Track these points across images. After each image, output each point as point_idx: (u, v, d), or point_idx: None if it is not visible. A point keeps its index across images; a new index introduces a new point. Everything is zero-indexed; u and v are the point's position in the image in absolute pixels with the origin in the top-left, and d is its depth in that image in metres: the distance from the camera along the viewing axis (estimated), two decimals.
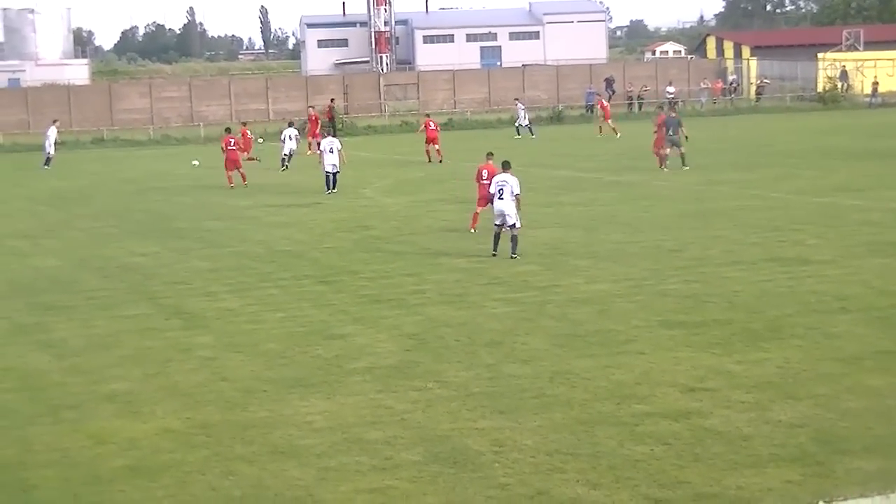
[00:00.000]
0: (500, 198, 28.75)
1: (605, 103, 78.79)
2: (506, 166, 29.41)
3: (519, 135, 77.04)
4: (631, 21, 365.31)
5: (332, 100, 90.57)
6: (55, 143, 68.87)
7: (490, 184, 30.04)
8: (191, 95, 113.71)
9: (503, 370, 18.29)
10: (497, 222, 29.02)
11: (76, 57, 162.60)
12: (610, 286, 24.84)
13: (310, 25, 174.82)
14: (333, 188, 46.21)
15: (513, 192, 28.70)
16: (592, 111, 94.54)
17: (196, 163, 58.04)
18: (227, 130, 54.88)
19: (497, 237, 29.07)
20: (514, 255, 28.54)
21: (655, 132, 51.14)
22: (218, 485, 13.51)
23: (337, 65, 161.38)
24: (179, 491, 13.33)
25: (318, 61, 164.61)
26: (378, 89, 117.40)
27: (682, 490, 12.80)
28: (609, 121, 74.40)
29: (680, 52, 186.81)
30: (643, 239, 31.22)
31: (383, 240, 33.11)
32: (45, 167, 64.30)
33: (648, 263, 27.38)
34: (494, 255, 28.78)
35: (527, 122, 78.98)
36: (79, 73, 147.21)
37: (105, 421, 16.30)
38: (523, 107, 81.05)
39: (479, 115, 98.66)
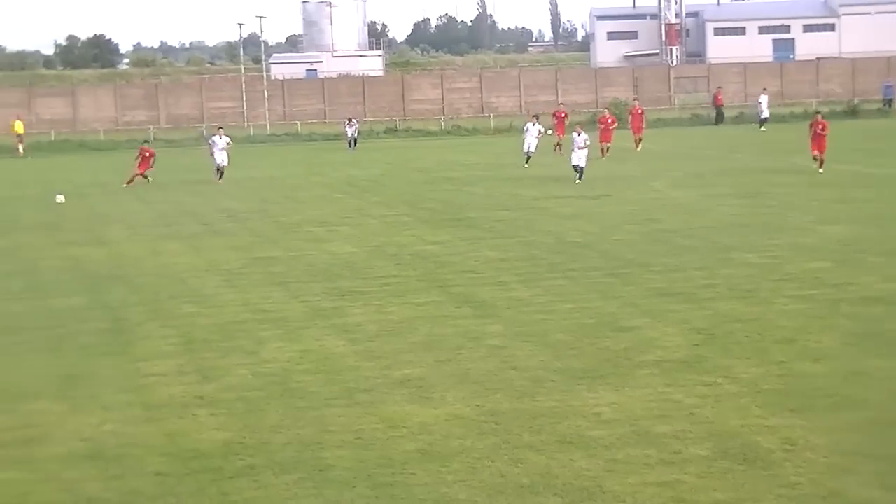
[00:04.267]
0: None
1: None
2: None
3: (762, 128, 76.98)
4: None
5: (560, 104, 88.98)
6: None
7: None
8: (481, 87, 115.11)
9: (794, 368, 18.00)
10: None
11: (370, 49, 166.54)
12: None
13: (599, 17, 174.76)
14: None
15: None
16: (890, 105, 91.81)
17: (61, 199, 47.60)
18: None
19: None
20: None
21: None
22: (507, 472, 13.71)
23: (626, 57, 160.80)
24: (469, 476, 13.58)
25: (607, 53, 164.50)
26: (668, 82, 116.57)
27: None
28: None
29: None
30: None
31: (672, 233, 32.89)
32: (218, 180, 55.32)
33: None
34: None
35: (766, 114, 79.41)
36: (373, 64, 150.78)
37: (397, 405, 16.70)
38: (764, 99, 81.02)
39: (771, 109, 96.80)
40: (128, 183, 53.73)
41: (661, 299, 23.63)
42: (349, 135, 77.92)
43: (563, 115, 66.25)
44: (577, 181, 47.10)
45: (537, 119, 59.76)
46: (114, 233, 37.52)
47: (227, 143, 56.44)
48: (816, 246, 28.90)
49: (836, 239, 30.38)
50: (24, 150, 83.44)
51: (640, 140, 64.96)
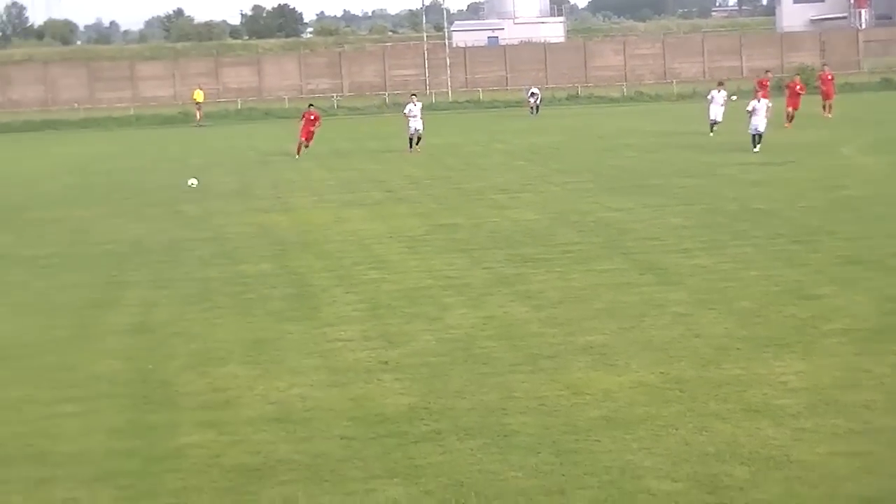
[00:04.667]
0: None
1: None
2: None
3: None
4: None
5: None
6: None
7: None
8: (664, 53, 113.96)
9: None
10: None
11: (552, 15, 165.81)
12: None
13: None
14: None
15: None
16: None
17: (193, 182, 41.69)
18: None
19: None
20: None
21: None
22: (691, 440, 13.62)
23: (813, 21, 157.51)
24: (653, 444, 13.53)
25: (793, 18, 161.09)
26: (856, 46, 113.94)
27: None
28: None
29: None
30: None
31: (861, 200, 32.20)
32: (415, 146, 54.47)
33: None
34: None
35: None
36: (554, 30, 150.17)
37: (581, 372, 16.70)
38: None
39: None
40: (297, 153, 53.72)
41: (850, 267, 23.18)
42: (531, 102, 78.00)
43: (766, 83, 63.47)
44: (756, 149, 46.13)
45: (722, 86, 58.55)
46: (299, 200, 38.15)
47: (420, 110, 55.14)
48: None
49: None
50: (202, 117, 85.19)
51: (831, 106, 63.53)
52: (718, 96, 56.64)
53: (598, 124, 66.97)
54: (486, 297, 22.00)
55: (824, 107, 63.34)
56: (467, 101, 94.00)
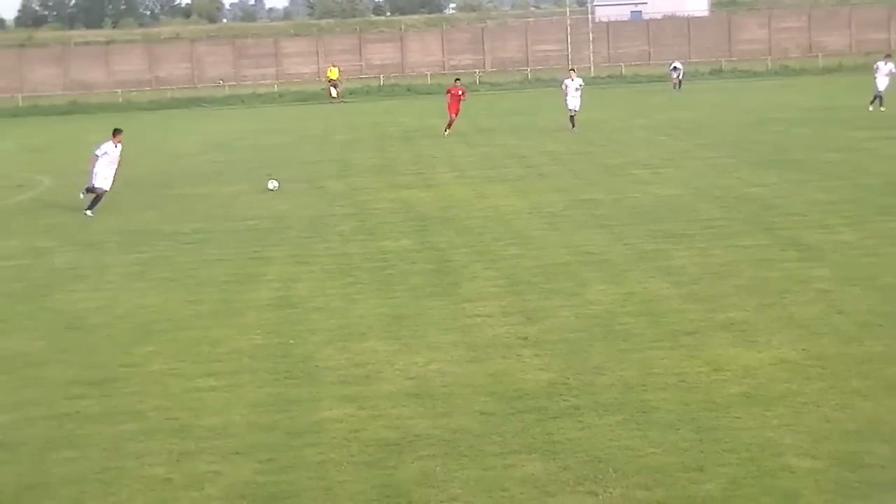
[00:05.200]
0: None
1: None
2: None
3: None
4: None
5: None
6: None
7: None
8: (809, 25, 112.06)
9: None
10: None
11: None
12: None
13: None
14: None
15: None
16: None
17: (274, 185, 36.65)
18: None
19: None
20: None
21: None
22: (833, 417, 13.48)
23: None
24: (794, 421, 13.41)
25: None
26: None
27: None
28: None
29: None
30: None
31: None
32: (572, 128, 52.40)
33: None
34: None
35: None
36: (698, 4, 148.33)
37: (721, 348, 16.58)
38: None
39: None
40: (447, 128, 53.04)
41: None
42: (674, 77, 77.39)
43: None
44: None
45: (889, 58, 56.74)
46: (440, 176, 38.32)
47: (580, 86, 52.61)
48: None
49: None
50: (340, 94, 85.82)
51: None
52: (884, 67, 54.99)
53: (741, 99, 66.17)
54: (626, 272, 21.93)
55: None
56: (609, 76, 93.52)
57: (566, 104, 52.65)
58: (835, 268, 21.42)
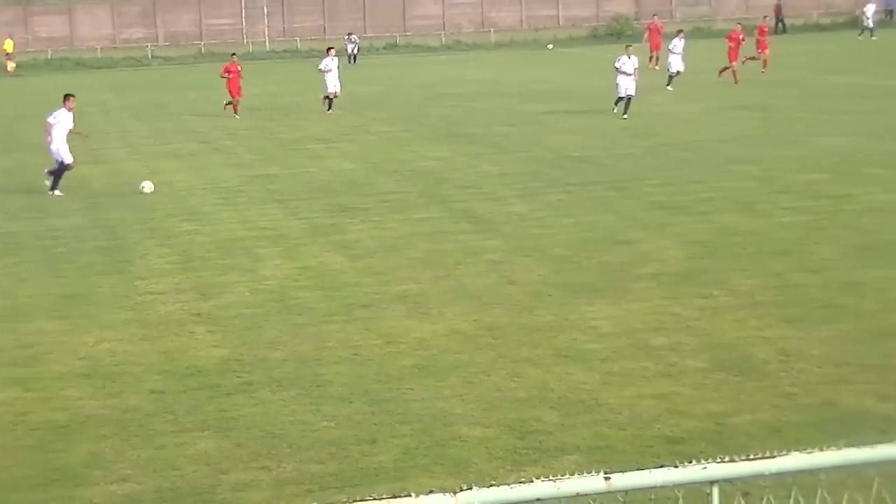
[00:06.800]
0: None
1: None
2: None
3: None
4: None
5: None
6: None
7: None
8: (482, 1, 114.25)
9: (791, 279, 18.00)
10: None
11: None
12: None
13: None
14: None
15: None
16: (893, 16, 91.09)
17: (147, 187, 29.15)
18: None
19: None
20: None
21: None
22: (504, 386, 13.74)
23: None
24: (466, 391, 13.61)
25: None
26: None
27: None
28: None
29: None
30: None
31: (673, 146, 32.80)
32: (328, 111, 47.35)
33: None
34: None
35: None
36: None
37: (395, 321, 16.71)
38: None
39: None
40: (229, 105, 47.01)
41: (660, 213, 23.61)
42: (349, 50, 77.56)
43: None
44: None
45: (683, 34, 53.76)
46: (112, 151, 37.41)
47: (339, 67, 48.34)
48: (815, 158, 28.89)
49: (835, 151, 30.30)
50: (13, 68, 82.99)
51: (658, 58, 62.56)
52: (680, 44, 53.23)
53: (417, 73, 66.91)
54: (301, 247, 21.88)
55: (650, 58, 63.13)
56: (285, 51, 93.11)
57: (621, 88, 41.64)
58: (507, 239, 21.88)
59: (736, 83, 49.75)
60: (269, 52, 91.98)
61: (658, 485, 4.57)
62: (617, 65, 41.57)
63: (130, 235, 23.68)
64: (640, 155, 31.49)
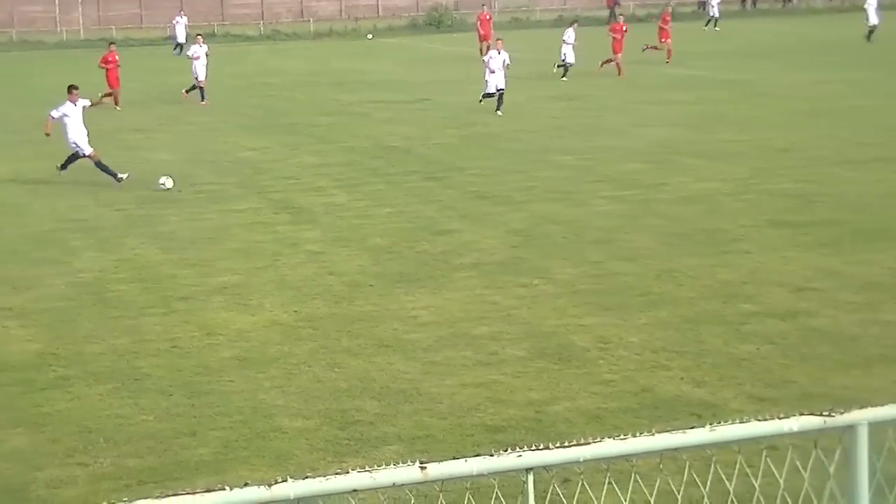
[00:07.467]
0: None
1: None
2: None
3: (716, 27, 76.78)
4: None
5: None
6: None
7: None
8: None
9: (609, 268, 18.26)
10: None
11: None
12: (718, 185, 24.59)
13: None
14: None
15: None
16: (704, 7, 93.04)
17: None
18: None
19: None
20: None
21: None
22: (324, 377, 13.67)
23: None
24: (286, 382, 13.51)
25: None
26: None
27: (788, 389, 12.72)
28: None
29: None
30: (752, 137, 30.86)
31: (491, 136, 33.04)
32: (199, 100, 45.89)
33: (757, 162, 27.07)
34: None
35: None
36: None
37: (214, 312, 16.53)
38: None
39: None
40: (107, 96, 43.75)
41: (480, 202, 23.76)
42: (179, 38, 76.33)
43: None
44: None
45: (577, 24, 54.21)
46: None
47: (207, 55, 46.79)
48: (632, 148, 29.37)
49: (651, 141, 30.84)
50: None
51: (489, 47, 62.58)
52: (573, 34, 53.06)
53: (235, 63, 66.22)
54: (117, 239, 21.52)
55: (481, 49, 63.02)
56: (101, 39, 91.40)
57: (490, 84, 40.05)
58: (326, 230, 21.80)
59: (620, 75, 49.40)
60: (83, 40, 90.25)
61: (474, 473, 4.58)
62: (485, 58, 41.62)
63: None
64: (459, 145, 31.66)
